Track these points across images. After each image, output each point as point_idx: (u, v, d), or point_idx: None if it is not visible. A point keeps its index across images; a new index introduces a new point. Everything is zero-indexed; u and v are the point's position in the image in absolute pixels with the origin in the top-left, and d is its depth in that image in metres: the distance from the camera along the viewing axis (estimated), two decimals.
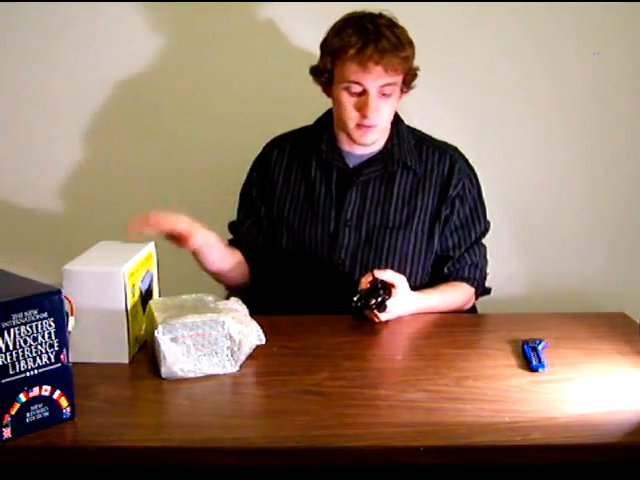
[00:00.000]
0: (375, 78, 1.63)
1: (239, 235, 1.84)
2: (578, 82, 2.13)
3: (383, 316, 1.54)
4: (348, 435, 1.14)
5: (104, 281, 1.37)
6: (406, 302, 1.59)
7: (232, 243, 1.83)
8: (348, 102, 1.68)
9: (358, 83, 1.64)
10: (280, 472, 1.16)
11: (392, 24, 1.66)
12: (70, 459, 1.14)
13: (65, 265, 1.38)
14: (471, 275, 1.78)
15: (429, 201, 1.75)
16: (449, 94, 2.07)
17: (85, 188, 2.22)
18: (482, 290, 1.82)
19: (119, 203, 2.20)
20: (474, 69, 2.11)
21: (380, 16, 1.67)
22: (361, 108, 1.66)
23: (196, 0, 2.07)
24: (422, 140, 1.79)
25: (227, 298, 1.52)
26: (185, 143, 2.19)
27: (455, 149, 1.80)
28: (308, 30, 2.05)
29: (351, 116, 1.68)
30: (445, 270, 1.77)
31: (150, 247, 1.55)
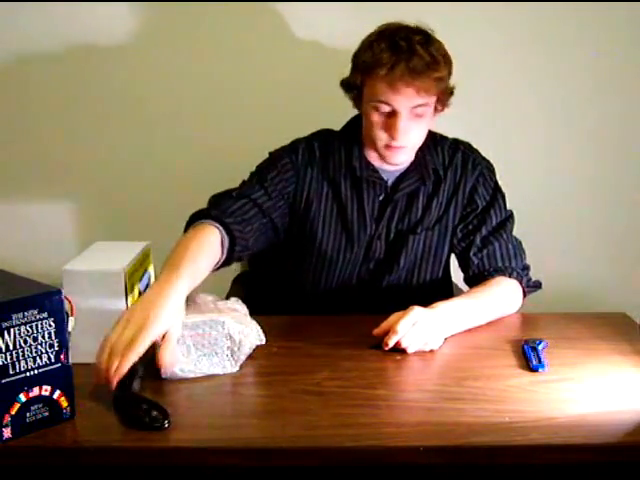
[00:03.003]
0: (406, 100, 1.56)
1: (230, 209, 1.60)
2: (584, 84, 2.13)
3: (411, 348, 1.42)
4: (348, 435, 1.14)
5: (104, 281, 1.37)
6: (425, 318, 1.44)
7: (209, 216, 1.55)
8: (377, 122, 1.60)
9: (387, 104, 1.57)
10: (280, 472, 1.16)
11: (427, 40, 1.58)
12: (70, 459, 1.13)
13: (65, 265, 1.38)
14: (506, 264, 1.69)
15: (443, 199, 1.73)
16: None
17: (84, 188, 2.22)
18: (528, 282, 1.70)
19: (118, 204, 2.21)
20: (477, 70, 2.11)
21: (416, 31, 1.59)
22: (390, 129, 1.59)
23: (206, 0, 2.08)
24: (436, 140, 1.76)
25: (227, 298, 1.52)
26: (185, 144, 2.19)
27: (468, 145, 1.78)
28: (319, 28, 2.06)
29: (380, 136, 1.62)
30: (474, 259, 1.70)
31: (147, 247, 1.55)
